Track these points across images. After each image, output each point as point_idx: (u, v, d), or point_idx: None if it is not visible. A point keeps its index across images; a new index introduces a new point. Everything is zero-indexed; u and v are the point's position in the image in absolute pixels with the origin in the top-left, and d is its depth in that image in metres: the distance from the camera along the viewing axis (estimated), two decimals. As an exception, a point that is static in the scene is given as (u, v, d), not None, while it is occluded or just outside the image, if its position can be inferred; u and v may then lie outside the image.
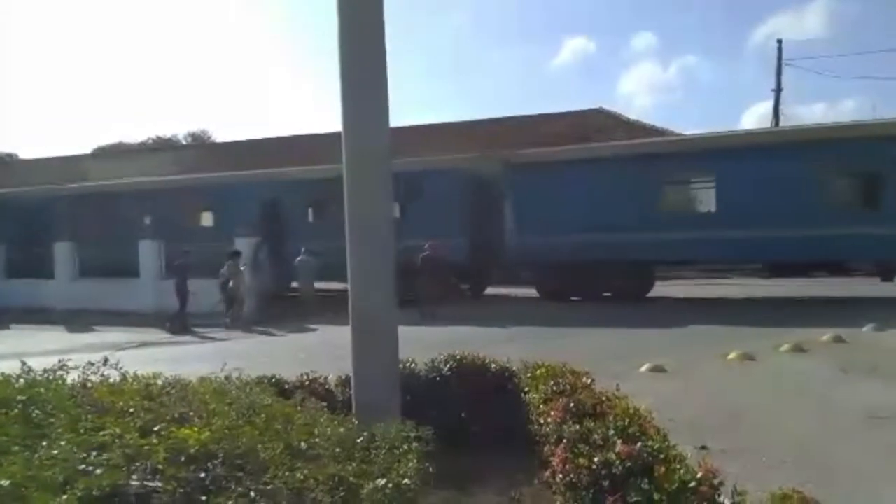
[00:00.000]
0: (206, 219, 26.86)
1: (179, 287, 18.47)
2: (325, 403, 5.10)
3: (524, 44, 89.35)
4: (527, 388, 5.76)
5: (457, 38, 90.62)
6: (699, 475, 3.27)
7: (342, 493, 2.82)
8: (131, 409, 3.44)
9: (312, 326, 17.08)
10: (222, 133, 71.81)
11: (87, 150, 49.61)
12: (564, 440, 4.12)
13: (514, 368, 6.32)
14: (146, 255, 21.74)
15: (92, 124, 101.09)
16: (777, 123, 33.48)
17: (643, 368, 9.79)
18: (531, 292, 22.05)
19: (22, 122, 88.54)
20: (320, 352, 11.67)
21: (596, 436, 3.94)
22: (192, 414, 3.48)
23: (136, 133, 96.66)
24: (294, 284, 21.73)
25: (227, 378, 4.89)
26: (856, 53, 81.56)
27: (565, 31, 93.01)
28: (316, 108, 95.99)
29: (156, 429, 3.11)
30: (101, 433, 3.00)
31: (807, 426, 6.81)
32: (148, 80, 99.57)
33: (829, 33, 77.01)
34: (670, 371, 9.70)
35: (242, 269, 19.18)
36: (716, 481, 3.24)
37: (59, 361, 4.07)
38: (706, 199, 20.05)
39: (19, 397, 3.43)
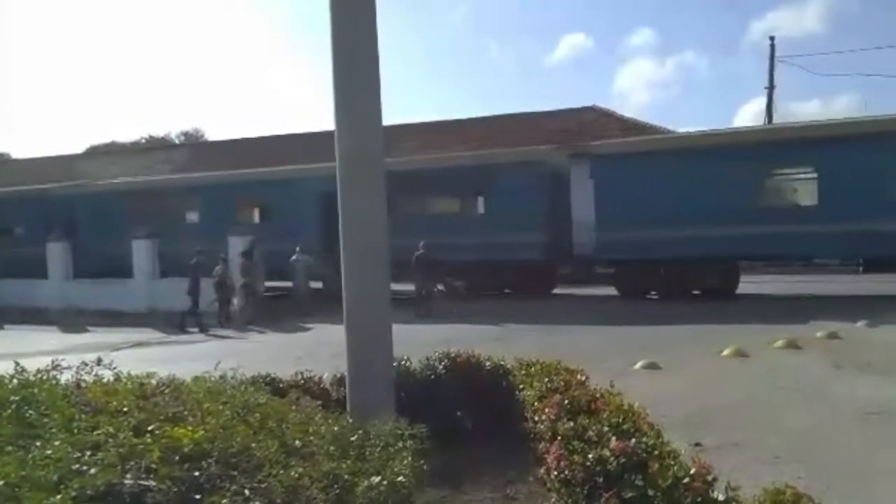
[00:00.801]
0: (257, 216, 26.24)
1: (192, 286, 18.45)
2: (319, 402, 5.10)
3: (521, 41, 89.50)
4: (521, 386, 5.76)
5: (453, 35, 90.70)
6: (693, 471, 3.29)
7: (337, 491, 2.83)
8: (125, 409, 3.43)
9: (307, 325, 17.07)
10: (215, 132, 71.60)
11: (80, 149, 49.59)
12: (559, 437, 4.13)
13: (509, 366, 6.33)
14: (140, 255, 21.68)
15: (84, 124, 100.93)
16: (770, 121, 33.54)
17: (637, 365, 9.81)
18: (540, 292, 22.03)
19: (14, 122, 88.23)
20: (315, 350, 11.67)
21: (590, 432, 3.95)
22: (186, 413, 3.47)
23: (128, 132, 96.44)
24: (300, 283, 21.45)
25: (221, 377, 4.88)
26: (850, 50, 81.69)
27: (562, 28, 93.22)
28: (310, 107, 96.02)
29: (150, 428, 3.11)
30: (95, 433, 2.99)
31: (801, 422, 6.84)
32: (140, 79, 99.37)
33: (826, 29, 77.24)
34: (664, 368, 9.72)
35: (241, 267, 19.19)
36: (709, 477, 3.26)
37: (53, 361, 4.06)
38: (807, 191, 19.08)
39: (13, 397, 3.41)
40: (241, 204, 25.66)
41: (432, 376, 6.15)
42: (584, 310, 17.79)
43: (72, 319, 19.76)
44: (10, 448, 2.76)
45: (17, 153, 51.23)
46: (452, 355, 6.33)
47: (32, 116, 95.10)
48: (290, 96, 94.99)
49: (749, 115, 68.41)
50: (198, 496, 2.63)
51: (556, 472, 3.99)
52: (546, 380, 5.41)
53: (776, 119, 33.26)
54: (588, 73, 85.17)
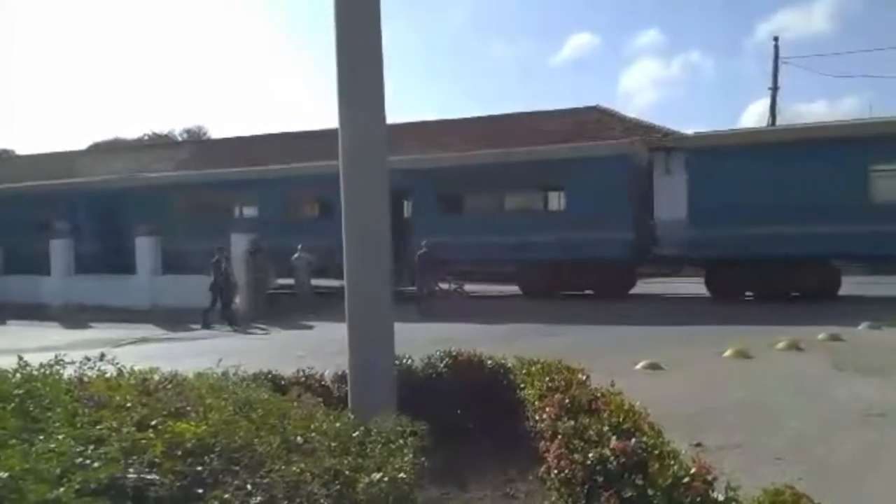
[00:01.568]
0: (316, 211, 25.16)
1: (215, 284, 18.46)
2: (321, 399, 5.12)
3: (526, 40, 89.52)
4: (522, 385, 5.77)
5: (457, 35, 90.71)
6: (693, 471, 3.29)
7: (338, 487, 2.84)
8: (128, 404, 3.46)
9: (310, 323, 17.08)
10: (218, 130, 71.68)
11: (83, 146, 49.64)
12: (559, 436, 4.14)
13: (510, 365, 6.34)
14: (142, 252, 21.70)
15: (88, 121, 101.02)
16: (774, 122, 33.48)
17: (639, 365, 9.82)
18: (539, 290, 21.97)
19: (18, 118, 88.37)
20: (317, 348, 11.68)
21: (591, 432, 3.96)
22: (188, 409, 3.50)
23: (131, 129, 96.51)
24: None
25: (223, 374, 4.90)
26: (852, 52, 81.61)
27: (568, 28, 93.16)
28: (314, 105, 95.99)
29: (153, 423, 3.13)
30: (98, 427, 3.02)
31: (802, 423, 6.84)
32: (143, 76, 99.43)
33: (834, 30, 77.08)
34: (666, 368, 9.73)
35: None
36: (709, 477, 3.26)
37: (56, 356, 4.08)
38: None
39: (16, 392, 3.44)
40: (299, 199, 24.82)
41: (433, 375, 6.16)
42: (586, 309, 17.79)
43: (74, 315, 19.78)
44: (13, 441, 2.78)
45: (21, 150, 51.41)
46: (454, 354, 6.35)
47: (36, 113, 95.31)
48: (294, 95, 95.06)
49: (754, 115, 68.38)
50: (200, 491, 2.65)
51: (556, 471, 4.00)
52: (547, 379, 5.41)
53: (781, 120, 33.21)
54: (593, 73, 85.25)
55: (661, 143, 20.92)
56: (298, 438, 3.35)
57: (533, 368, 5.97)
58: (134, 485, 2.59)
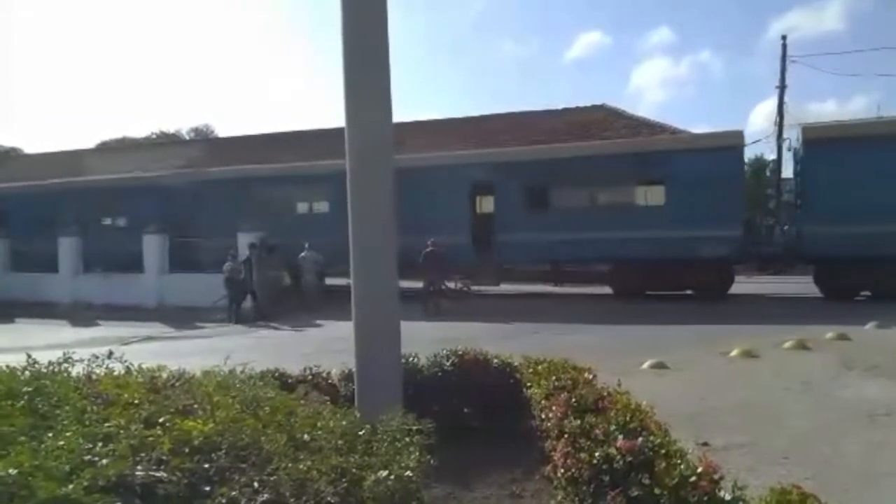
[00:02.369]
0: (408, 205, 23.37)
1: (246, 280, 18.75)
2: (328, 397, 5.14)
3: (536, 39, 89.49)
4: (529, 384, 5.77)
5: (468, 33, 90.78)
6: (700, 470, 3.29)
7: (344, 485, 2.84)
8: (136, 401, 3.47)
9: (317, 321, 17.12)
10: (225, 128, 71.95)
11: (91, 144, 49.81)
12: (566, 435, 4.14)
13: (516, 364, 6.34)
14: (150, 250, 21.78)
15: (96, 120, 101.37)
16: (781, 121, 33.35)
17: (645, 365, 9.80)
18: (532, 288, 21.94)
19: (25, 117, 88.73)
20: (324, 346, 11.70)
21: (597, 431, 3.96)
22: (196, 406, 3.51)
23: (139, 128, 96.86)
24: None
25: (230, 372, 4.92)
26: (868, 50, 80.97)
27: (580, 26, 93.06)
28: (320, 104, 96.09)
29: (160, 420, 3.14)
30: (107, 424, 3.02)
31: (809, 423, 6.83)
32: (151, 76, 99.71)
33: (846, 28, 76.69)
34: (672, 368, 9.71)
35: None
36: (716, 476, 3.26)
37: (65, 354, 4.10)
38: None
39: (25, 389, 3.46)
40: None
41: (440, 373, 6.17)
42: (593, 308, 17.76)
43: (82, 314, 19.87)
44: (22, 439, 2.80)
45: (28, 148, 51.67)
46: (460, 353, 6.35)
47: (44, 112, 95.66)
48: (302, 93, 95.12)
49: (763, 115, 68.05)
50: (207, 488, 2.65)
51: (562, 470, 4.01)
52: (553, 378, 5.42)
53: (789, 120, 33.05)
54: (604, 71, 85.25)
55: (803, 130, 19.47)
56: (305, 436, 3.36)
57: (539, 367, 5.98)
58: (142, 482, 2.60)
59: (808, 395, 8.04)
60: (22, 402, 3.29)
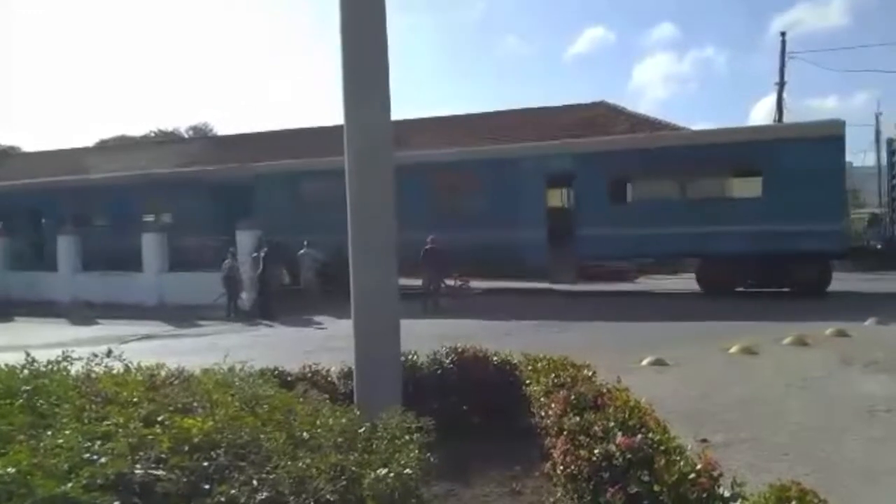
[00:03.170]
0: (476, 199, 22.04)
1: (260, 277, 18.73)
2: (327, 395, 5.13)
3: (539, 35, 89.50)
4: (528, 381, 5.77)
5: (471, 30, 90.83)
6: (699, 467, 3.29)
7: (344, 483, 2.84)
8: (135, 400, 3.47)
9: (316, 319, 17.11)
10: (224, 127, 71.88)
11: (90, 143, 49.73)
12: (565, 432, 4.14)
13: (516, 361, 6.34)
14: (149, 248, 21.76)
15: (94, 118, 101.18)
16: (780, 117, 33.33)
17: (645, 362, 9.80)
18: (533, 286, 21.91)
19: (25, 116, 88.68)
20: (323, 344, 11.70)
21: (596, 428, 3.96)
22: (195, 404, 3.51)
23: (137, 127, 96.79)
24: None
25: (230, 370, 4.91)
26: (869, 46, 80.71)
27: (583, 22, 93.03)
28: (321, 102, 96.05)
29: (159, 419, 3.14)
30: (106, 423, 3.02)
31: (808, 419, 6.83)
32: (149, 74, 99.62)
33: (850, 24, 76.51)
34: (672, 364, 9.71)
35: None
36: (715, 473, 3.26)
37: (63, 353, 4.10)
38: None
39: (24, 388, 3.46)
40: (444, 185, 21.90)
41: (439, 371, 6.17)
42: (592, 305, 17.76)
43: (81, 312, 19.85)
44: (21, 437, 2.80)
45: (28, 146, 51.62)
46: (460, 350, 6.35)
47: (43, 111, 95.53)
48: (301, 91, 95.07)
49: (764, 111, 68.05)
50: (206, 486, 2.65)
51: (562, 467, 4.01)
52: (553, 375, 5.42)
53: (788, 116, 33.01)
54: (607, 68, 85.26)
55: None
56: (304, 434, 3.36)
57: (539, 365, 5.98)
58: (141, 480, 2.60)
59: (808, 391, 8.05)
60: (21, 400, 3.29)
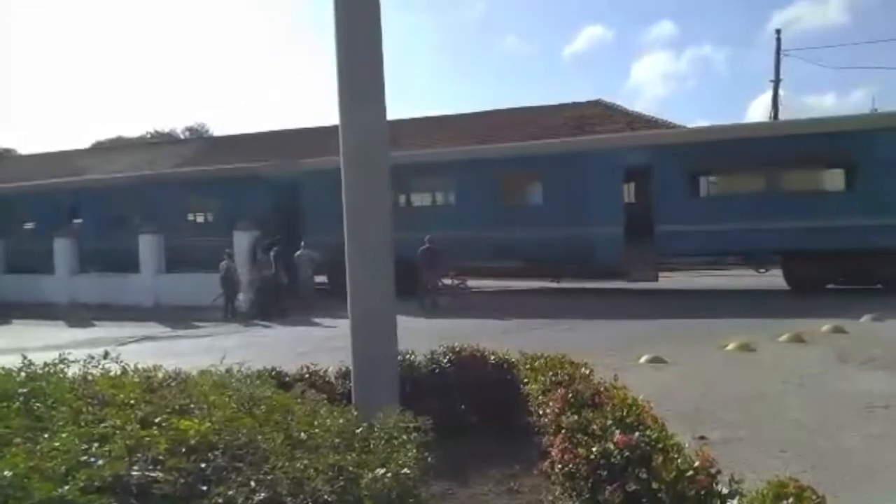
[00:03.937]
0: (544, 195, 20.66)
1: (274, 277, 18.82)
2: (324, 395, 5.13)
3: (538, 34, 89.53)
4: (526, 379, 5.77)
5: (471, 28, 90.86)
6: (697, 464, 3.29)
7: (342, 483, 2.84)
8: (132, 402, 3.46)
9: (313, 320, 17.11)
10: (220, 127, 71.89)
11: (86, 145, 49.70)
12: (563, 430, 4.14)
13: (514, 360, 6.34)
14: (146, 250, 21.73)
15: (89, 120, 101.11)
16: (776, 115, 33.40)
17: (642, 359, 9.81)
18: (531, 284, 21.93)
19: (20, 117, 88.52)
20: (320, 345, 11.70)
21: (594, 426, 3.96)
22: (192, 406, 3.50)
23: (134, 128, 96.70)
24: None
25: (227, 371, 4.91)
26: (866, 43, 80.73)
27: (582, 20, 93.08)
28: (316, 102, 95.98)
29: (157, 420, 3.13)
30: (103, 425, 3.02)
31: (805, 416, 6.84)
32: (145, 75, 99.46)
33: (849, 21, 76.52)
34: (669, 362, 9.72)
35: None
36: (713, 470, 3.26)
37: (60, 355, 4.09)
38: None
39: (21, 390, 3.45)
40: (511, 181, 20.96)
41: (437, 370, 6.17)
42: (590, 303, 17.76)
43: (78, 314, 19.82)
44: (18, 440, 2.79)
45: (23, 149, 51.55)
46: (457, 349, 6.35)
47: (38, 112, 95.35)
48: (296, 92, 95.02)
49: (762, 107, 68.00)
50: (204, 488, 2.65)
51: (560, 466, 4.01)
52: (550, 373, 5.42)
53: (785, 114, 33.05)
54: (605, 66, 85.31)
55: None
56: (302, 435, 3.36)
57: (536, 363, 5.98)
58: (138, 482, 2.59)
59: (806, 388, 8.06)
60: (17, 403, 3.29)
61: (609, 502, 3.40)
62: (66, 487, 2.39)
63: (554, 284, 22.06)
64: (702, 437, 5.93)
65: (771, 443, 5.96)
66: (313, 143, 24.48)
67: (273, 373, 5.83)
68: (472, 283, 20.83)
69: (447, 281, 19.55)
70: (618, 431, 3.75)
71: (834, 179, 18.79)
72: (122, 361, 4.35)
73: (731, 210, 18.07)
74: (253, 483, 2.69)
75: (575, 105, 29.76)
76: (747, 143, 18.11)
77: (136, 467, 2.66)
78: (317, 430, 3.45)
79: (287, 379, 5.84)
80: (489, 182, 20.17)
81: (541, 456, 4.74)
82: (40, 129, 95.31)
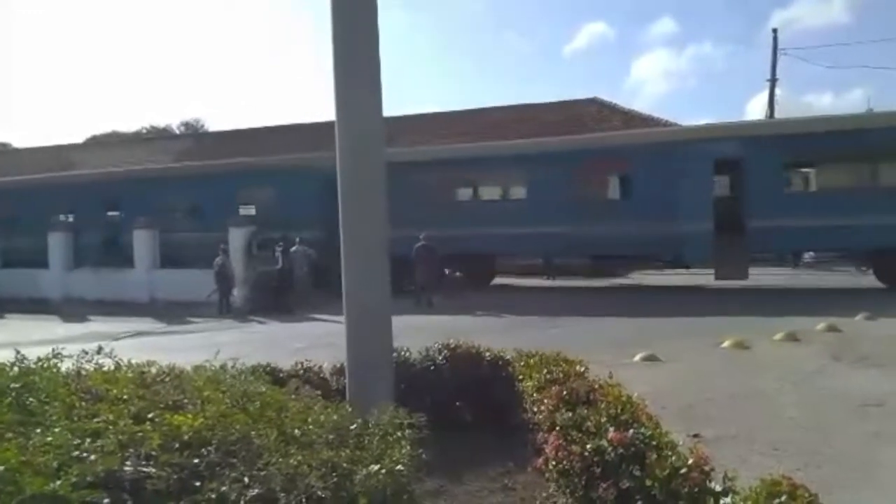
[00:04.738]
0: (625, 188, 20.45)
1: (283, 271, 18.87)
2: (319, 392, 5.12)
3: (539, 30, 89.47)
4: (521, 377, 5.78)
5: (470, 25, 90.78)
6: (690, 462, 3.30)
7: (335, 479, 2.84)
8: (125, 397, 3.45)
9: (308, 316, 17.10)
10: (216, 122, 71.89)
11: (80, 139, 49.52)
12: (557, 427, 4.15)
13: (508, 357, 6.34)
14: (140, 245, 21.69)
15: (85, 114, 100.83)
16: (772, 114, 33.45)
17: (637, 357, 9.82)
18: (525, 282, 21.95)
19: (15, 112, 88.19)
20: (315, 341, 11.69)
21: (589, 423, 3.97)
22: (186, 401, 3.49)
23: (129, 123, 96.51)
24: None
25: (221, 366, 4.90)
26: (865, 42, 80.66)
27: (583, 17, 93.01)
28: (313, 97, 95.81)
29: (150, 416, 3.12)
30: (96, 420, 3.01)
31: (799, 414, 6.85)
32: (141, 69, 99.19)
33: (851, 20, 76.54)
34: (664, 359, 9.73)
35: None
36: (707, 468, 3.27)
37: (54, 350, 4.07)
38: None
39: (13, 385, 3.43)
40: (588, 173, 20.31)
41: (432, 367, 6.16)
42: (584, 301, 17.78)
43: (73, 309, 19.78)
44: (10, 435, 2.78)
45: (18, 143, 51.32)
46: (452, 346, 6.34)
47: (33, 107, 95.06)
48: (293, 86, 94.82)
49: (760, 106, 68.06)
50: (197, 483, 2.64)
51: (554, 463, 4.01)
52: (545, 371, 5.43)
53: (780, 112, 33.11)
54: (605, 63, 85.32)
55: None
56: (296, 431, 3.35)
57: (531, 360, 5.98)
58: (131, 478, 2.59)
59: (800, 386, 8.07)
60: (10, 398, 3.27)
61: (603, 499, 3.41)
62: (59, 482, 2.38)
63: (548, 283, 22.07)
64: (696, 435, 5.94)
65: (764, 441, 5.97)
66: (312, 139, 24.37)
67: (267, 369, 5.82)
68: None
69: (443, 278, 19.56)
70: (612, 429, 3.76)
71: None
72: (115, 357, 4.33)
73: (832, 204, 17.24)
74: (246, 479, 2.69)
75: (571, 103, 29.74)
76: (845, 136, 17.31)
77: (128, 463, 2.65)
78: (311, 427, 3.44)
79: (281, 375, 5.83)
80: (564, 175, 19.43)
81: (535, 453, 4.75)
82: (35, 124, 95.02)
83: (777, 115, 32.88)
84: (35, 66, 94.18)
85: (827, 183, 18.69)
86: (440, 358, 6.23)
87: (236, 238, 19.76)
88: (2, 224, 25.77)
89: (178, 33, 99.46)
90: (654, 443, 3.59)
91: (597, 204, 20.04)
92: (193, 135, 47.97)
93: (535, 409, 4.91)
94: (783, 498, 2.90)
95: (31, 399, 3.28)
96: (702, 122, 30.24)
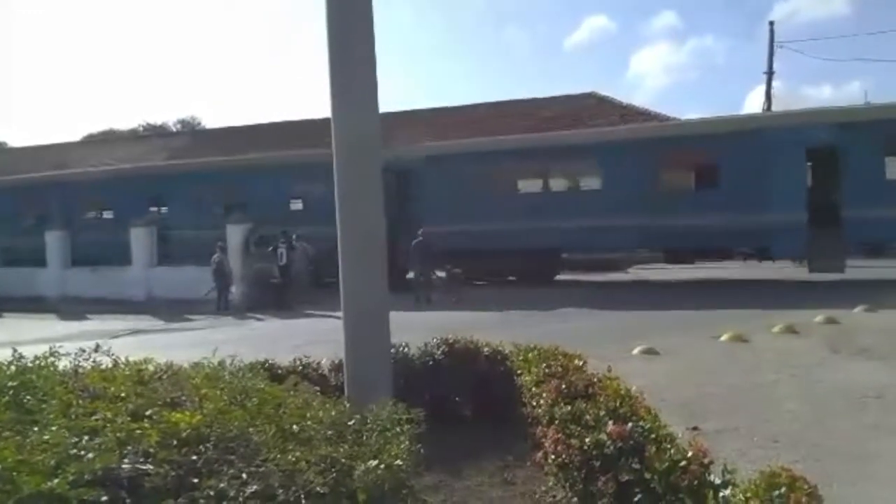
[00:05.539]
0: (710, 178, 19.54)
1: (285, 266, 18.91)
2: (317, 388, 5.11)
3: (540, 23, 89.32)
4: (519, 371, 5.78)
5: (472, 19, 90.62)
6: (690, 455, 3.30)
7: (334, 475, 2.83)
8: (123, 395, 3.44)
9: (306, 312, 17.10)
10: (212, 120, 71.74)
11: (77, 137, 49.44)
12: (556, 421, 4.15)
13: (507, 351, 6.34)
14: (138, 242, 21.66)
15: (81, 112, 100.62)
16: (769, 107, 33.41)
17: (636, 350, 9.82)
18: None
19: (11, 110, 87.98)
20: (314, 337, 11.67)
21: (587, 417, 3.96)
22: (184, 398, 3.48)
23: (125, 121, 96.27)
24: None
25: (219, 363, 4.88)
26: (861, 35, 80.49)
27: (584, 9, 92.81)
28: (308, 94, 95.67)
29: (148, 413, 3.11)
30: (93, 418, 3.00)
31: (798, 406, 6.86)
32: (137, 68, 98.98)
33: (851, 12, 76.43)
34: (663, 353, 9.74)
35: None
36: (706, 460, 3.27)
37: (51, 348, 4.06)
38: None
39: (10, 383, 3.42)
40: (670, 162, 19.62)
41: (430, 362, 6.16)
42: (584, 295, 17.78)
43: (70, 307, 19.76)
44: (7, 433, 2.77)
45: (14, 141, 51.26)
46: (450, 341, 6.34)
47: (29, 105, 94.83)
48: (289, 83, 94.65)
49: (760, 99, 68.00)
50: (195, 480, 2.63)
51: (553, 456, 4.01)
52: (544, 365, 5.42)
53: (777, 104, 33.05)
54: (606, 57, 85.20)
55: None
56: (294, 427, 3.34)
57: (530, 355, 5.98)
58: (129, 475, 2.58)
59: (798, 378, 8.08)
60: (7, 396, 3.26)
61: (602, 493, 3.40)
62: (56, 480, 2.37)
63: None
64: (695, 428, 5.95)
65: (763, 433, 5.97)
66: (309, 135, 24.29)
67: (265, 365, 5.81)
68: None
69: (440, 273, 19.53)
70: (611, 422, 3.75)
71: None
72: (113, 354, 4.32)
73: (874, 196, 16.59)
74: (245, 475, 2.68)
75: (569, 97, 29.67)
76: None
77: (126, 460, 2.64)
78: (309, 423, 3.43)
79: (280, 371, 5.82)
80: (643, 165, 18.82)
81: (534, 447, 4.75)
82: (31, 123, 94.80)
83: (774, 107, 32.82)
84: (31, 65, 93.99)
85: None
86: (439, 353, 6.23)
87: (234, 235, 19.74)
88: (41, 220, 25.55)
89: (173, 31, 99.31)
90: (653, 436, 3.59)
91: (678, 194, 19.43)
92: (190, 132, 47.84)
93: (534, 404, 4.91)
94: (782, 490, 2.90)
95: (28, 397, 3.27)
96: (700, 116, 30.13)
